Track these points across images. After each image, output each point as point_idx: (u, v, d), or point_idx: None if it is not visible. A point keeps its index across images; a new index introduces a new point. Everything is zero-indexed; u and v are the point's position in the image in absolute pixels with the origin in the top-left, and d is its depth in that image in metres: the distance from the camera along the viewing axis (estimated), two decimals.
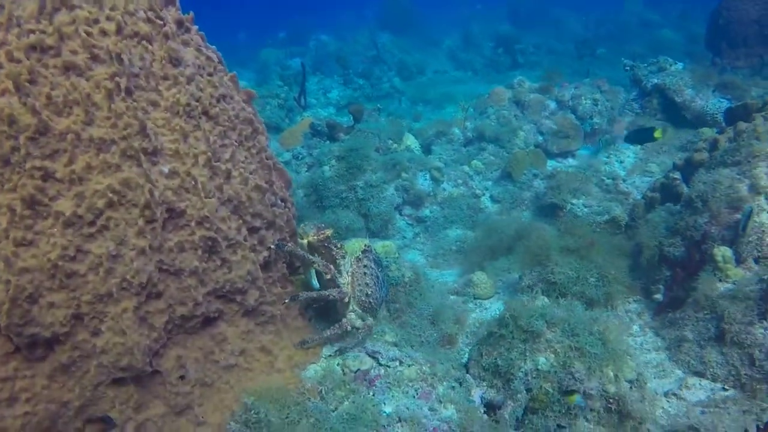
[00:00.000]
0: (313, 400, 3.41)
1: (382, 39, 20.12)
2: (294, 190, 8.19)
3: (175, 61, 3.18)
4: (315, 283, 4.03)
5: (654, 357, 5.09)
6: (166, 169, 3.04)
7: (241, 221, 3.37)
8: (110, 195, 2.85)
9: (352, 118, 10.05)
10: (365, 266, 4.21)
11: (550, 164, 9.36)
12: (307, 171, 8.93)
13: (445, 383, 3.75)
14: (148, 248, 2.95)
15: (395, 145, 8.99)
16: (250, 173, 3.44)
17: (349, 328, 3.96)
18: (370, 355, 3.73)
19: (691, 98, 10.34)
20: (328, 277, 3.86)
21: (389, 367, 3.68)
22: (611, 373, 3.87)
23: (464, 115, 10.02)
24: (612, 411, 3.86)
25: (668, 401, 4.53)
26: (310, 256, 3.82)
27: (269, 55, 20.23)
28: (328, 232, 3.93)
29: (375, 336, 4.12)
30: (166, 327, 3.16)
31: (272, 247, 3.62)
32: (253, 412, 3.20)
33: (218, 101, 3.35)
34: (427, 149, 9.43)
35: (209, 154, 3.19)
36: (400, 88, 15.61)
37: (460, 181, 8.76)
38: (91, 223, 2.84)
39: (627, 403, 3.83)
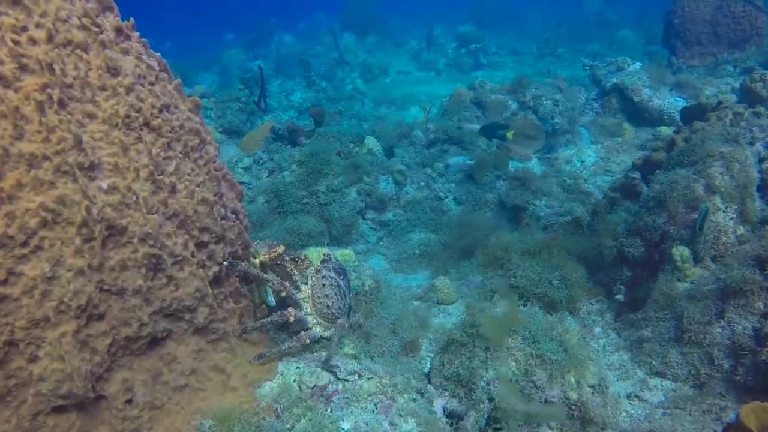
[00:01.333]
0: (269, 419, 3.29)
1: (345, 40, 20.02)
2: (254, 196, 8.04)
3: (113, 71, 3.02)
4: (270, 299, 3.91)
5: (616, 358, 5.11)
6: (104, 185, 2.89)
7: (187, 236, 3.23)
8: (44, 213, 2.68)
9: (313, 121, 9.93)
10: (324, 277, 4.12)
11: (513, 165, 9.38)
12: (268, 176, 8.77)
13: (405, 395, 3.67)
14: (86, 268, 2.79)
15: (357, 149, 8.90)
16: (197, 186, 3.30)
17: (308, 341, 3.86)
18: (327, 370, 3.62)
19: (649, 97, 10.50)
20: (284, 294, 3.75)
21: (347, 381, 3.58)
22: (573, 380, 3.85)
23: (426, 117, 9.97)
24: (574, 417, 3.83)
25: (631, 403, 4.54)
26: (264, 275, 3.71)
27: (231, 57, 19.95)
28: (280, 249, 3.83)
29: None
30: (109, 350, 3.00)
31: (224, 264, 3.49)
32: None
33: (161, 111, 3.20)
34: (389, 152, 9.35)
35: (152, 167, 3.04)
36: (363, 89, 15.52)
37: (423, 184, 8.71)
38: (24, 244, 2.67)
39: (589, 409, 3.81)
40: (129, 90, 3.03)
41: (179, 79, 3.52)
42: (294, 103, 14.53)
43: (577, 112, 10.56)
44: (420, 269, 7.49)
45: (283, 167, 8.05)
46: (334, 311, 4.06)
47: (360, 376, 3.65)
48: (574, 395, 3.83)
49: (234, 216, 3.68)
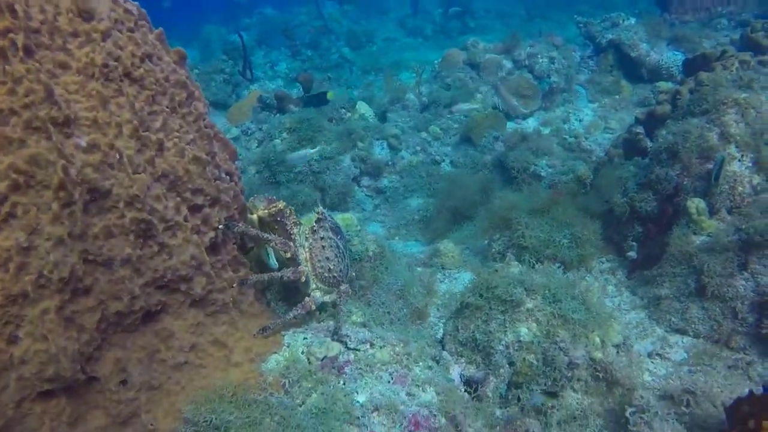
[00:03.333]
0: (277, 394, 3.04)
1: (328, 9, 19.44)
2: (245, 168, 7.71)
3: (86, 14, 2.68)
4: (272, 261, 3.63)
5: (633, 317, 4.90)
6: (83, 142, 2.57)
7: (179, 199, 2.93)
8: (14, 176, 2.37)
9: (301, 87, 9.56)
10: (322, 238, 3.79)
11: (510, 126, 9.09)
12: (257, 146, 8.44)
13: (420, 363, 3.43)
14: (66, 236, 2.49)
15: (348, 114, 8.56)
16: (187, 144, 2.99)
17: (313, 307, 3.59)
18: (337, 340, 3.36)
19: (647, 52, 10.19)
20: (288, 255, 3.46)
21: (359, 350, 3.33)
22: (597, 339, 3.63)
23: (418, 80, 9.63)
24: (600, 379, 3.62)
25: (652, 362, 4.34)
26: (266, 235, 3.40)
27: (211, 31, 19.31)
28: (280, 204, 3.51)
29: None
30: (99, 327, 2.72)
31: (220, 227, 3.19)
32: (205, 415, 2.81)
33: (143, 61, 2.87)
34: (382, 117, 9.02)
35: (135, 122, 2.73)
36: (350, 57, 15.07)
37: (418, 148, 8.42)
38: None
39: (615, 370, 3.59)
40: (105, 36, 2.70)
41: (161, 29, 3.19)
42: (280, 72, 14.09)
43: (573, 70, 10.24)
44: (419, 235, 7.24)
45: (274, 135, 7.72)
46: (335, 275, 3.76)
47: (372, 344, 3.40)
48: (598, 355, 3.60)
49: (228, 177, 3.37)
